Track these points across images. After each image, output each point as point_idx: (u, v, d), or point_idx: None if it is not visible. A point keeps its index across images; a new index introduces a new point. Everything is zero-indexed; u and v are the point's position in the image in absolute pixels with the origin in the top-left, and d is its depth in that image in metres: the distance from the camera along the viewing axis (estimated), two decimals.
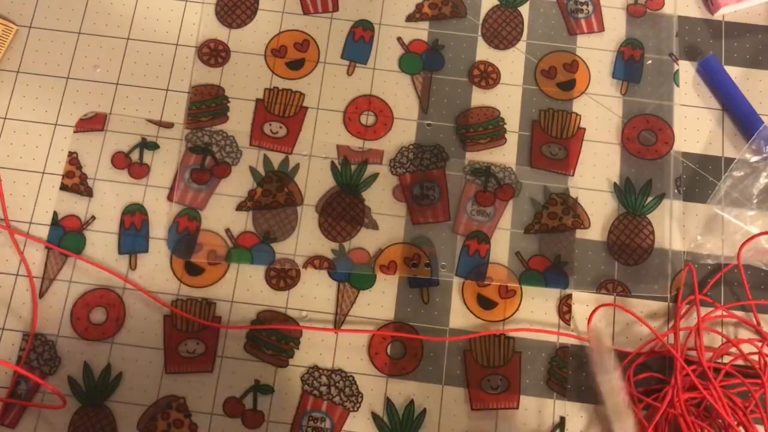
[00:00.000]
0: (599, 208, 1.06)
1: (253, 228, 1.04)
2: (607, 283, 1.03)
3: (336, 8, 1.13)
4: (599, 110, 1.10)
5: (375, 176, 1.06)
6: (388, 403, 0.97)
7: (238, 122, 1.08)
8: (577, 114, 1.10)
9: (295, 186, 1.06)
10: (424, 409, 0.96)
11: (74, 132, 1.07)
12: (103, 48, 1.10)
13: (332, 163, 1.06)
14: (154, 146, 1.06)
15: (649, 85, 1.11)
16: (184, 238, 1.03)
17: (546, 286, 1.02)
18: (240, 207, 1.05)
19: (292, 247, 1.03)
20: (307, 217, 1.04)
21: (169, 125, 1.07)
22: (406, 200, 1.06)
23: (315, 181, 1.06)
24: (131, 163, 1.06)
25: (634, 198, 1.06)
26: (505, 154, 1.08)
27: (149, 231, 1.03)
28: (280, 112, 1.09)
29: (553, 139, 1.09)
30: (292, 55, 1.11)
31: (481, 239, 1.04)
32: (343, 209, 1.05)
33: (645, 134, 1.09)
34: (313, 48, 1.11)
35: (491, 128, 1.09)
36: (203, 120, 1.08)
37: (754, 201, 1.05)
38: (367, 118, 1.09)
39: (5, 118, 1.07)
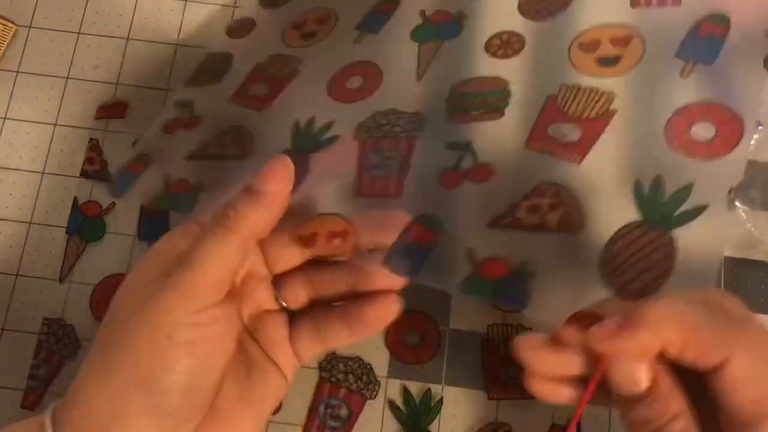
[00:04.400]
0: (604, 210, 0.79)
1: (190, 176, 0.92)
2: (585, 314, 0.69)
3: None
4: (645, 91, 0.85)
5: (333, 139, 0.88)
6: (405, 392, 0.95)
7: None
8: (611, 93, 0.85)
9: (250, 138, 0.93)
10: (441, 398, 0.95)
11: (95, 119, 1.06)
12: (103, 48, 1.10)
13: (296, 122, 0.91)
14: None
15: (728, 67, 0.84)
16: (123, 178, 0.96)
17: (491, 302, 0.84)
18: (190, 156, 0.94)
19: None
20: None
21: None
22: (357, 168, 0.86)
23: (270, 140, 0.92)
24: None
25: (660, 204, 0.77)
26: (496, 130, 0.87)
27: (170, 218, 1.02)
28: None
29: (569, 117, 0.85)
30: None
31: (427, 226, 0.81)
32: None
33: (702, 125, 0.79)
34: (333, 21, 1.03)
35: (490, 100, 0.88)
36: (202, 78, 1.05)
37: None
38: (353, 82, 0.95)
39: (5, 118, 1.07)
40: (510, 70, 0.90)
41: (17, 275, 1.01)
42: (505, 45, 0.93)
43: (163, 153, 0.95)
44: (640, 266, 0.73)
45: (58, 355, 0.97)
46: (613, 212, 0.78)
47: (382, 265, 0.77)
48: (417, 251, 0.78)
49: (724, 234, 0.75)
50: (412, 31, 0.96)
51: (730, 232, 0.89)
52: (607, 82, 0.86)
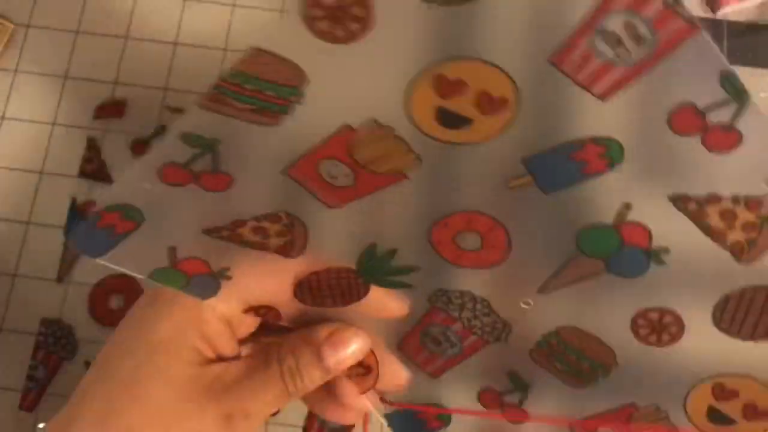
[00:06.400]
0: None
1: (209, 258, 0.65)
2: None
3: None
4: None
5: (408, 270, 0.66)
6: None
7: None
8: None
9: (304, 233, 0.64)
10: None
11: (94, 118, 1.05)
12: (102, 47, 1.10)
13: (371, 244, 0.64)
14: None
15: None
16: (98, 234, 0.62)
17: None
18: (209, 231, 0.64)
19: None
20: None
21: None
22: (412, 326, 0.71)
23: (334, 242, 0.65)
24: None
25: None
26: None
27: None
28: None
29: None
30: None
31: None
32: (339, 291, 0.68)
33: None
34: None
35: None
36: (236, 104, 0.52)
37: None
38: (469, 241, 0.63)
39: (3, 118, 1.06)
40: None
41: (15, 275, 1.00)
42: (654, 326, 0.65)
43: (166, 214, 0.64)
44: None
45: (56, 356, 0.97)
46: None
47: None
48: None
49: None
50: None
51: None
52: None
